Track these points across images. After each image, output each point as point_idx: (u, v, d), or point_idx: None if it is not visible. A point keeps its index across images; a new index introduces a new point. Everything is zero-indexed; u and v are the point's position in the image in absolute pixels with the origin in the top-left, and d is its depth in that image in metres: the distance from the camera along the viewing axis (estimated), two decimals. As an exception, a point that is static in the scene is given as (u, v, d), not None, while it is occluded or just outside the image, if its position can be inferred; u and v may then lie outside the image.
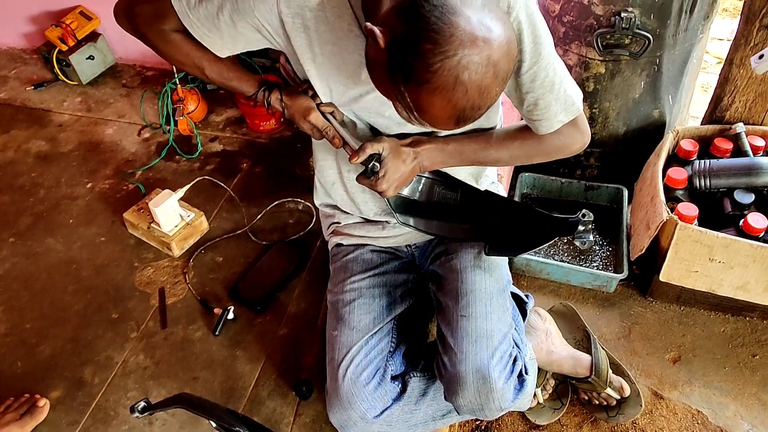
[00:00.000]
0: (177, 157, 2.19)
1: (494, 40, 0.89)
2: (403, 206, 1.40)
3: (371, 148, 1.22)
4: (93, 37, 2.51)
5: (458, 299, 1.35)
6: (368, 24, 0.93)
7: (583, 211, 1.27)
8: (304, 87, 1.26)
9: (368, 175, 1.24)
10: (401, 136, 1.28)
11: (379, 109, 1.22)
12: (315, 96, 1.25)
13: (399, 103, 0.97)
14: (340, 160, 1.41)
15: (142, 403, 1.33)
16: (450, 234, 1.44)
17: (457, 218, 1.42)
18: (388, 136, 1.26)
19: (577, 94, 1.21)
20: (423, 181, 1.39)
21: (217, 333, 1.65)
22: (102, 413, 1.53)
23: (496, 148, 1.30)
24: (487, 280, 1.37)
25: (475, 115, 0.95)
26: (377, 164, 1.22)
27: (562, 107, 1.19)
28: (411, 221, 1.40)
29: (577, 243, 1.29)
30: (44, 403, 1.51)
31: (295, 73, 1.28)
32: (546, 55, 1.13)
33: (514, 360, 1.32)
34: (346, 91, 1.21)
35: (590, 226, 1.28)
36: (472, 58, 0.88)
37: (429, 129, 1.05)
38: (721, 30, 3.12)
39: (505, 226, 1.37)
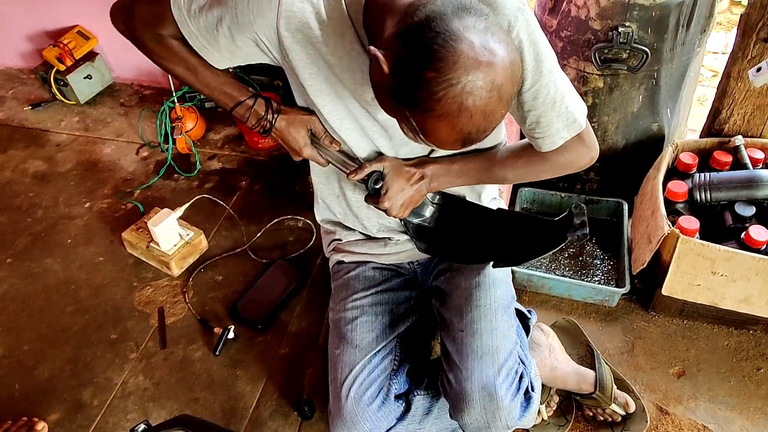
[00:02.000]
0: (175, 175, 2.18)
1: (497, 63, 0.89)
2: (418, 233, 1.39)
3: (370, 167, 1.22)
4: (91, 56, 2.52)
5: (463, 315, 1.33)
6: (372, 48, 0.93)
7: (574, 203, 1.24)
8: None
9: (372, 193, 1.24)
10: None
11: (383, 130, 1.22)
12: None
13: (404, 125, 0.97)
14: (340, 176, 1.40)
15: (143, 426, 1.31)
16: (466, 259, 1.43)
17: (468, 240, 1.42)
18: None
19: (580, 110, 1.20)
20: (430, 207, 1.39)
21: (217, 353, 1.64)
22: (102, 436, 1.51)
23: (502, 166, 1.29)
24: (492, 296, 1.36)
25: (481, 137, 0.95)
26: (379, 181, 1.22)
27: (564, 124, 1.18)
28: (430, 249, 1.41)
29: (573, 238, 1.25)
30: (42, 427, 1.49)
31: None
32: (547, 72, 1.12)
33: (521, 377, 1.30)
34: (348, 108, 1.20)
35: (584, 219, 1.24)
36: (476, 84, 0.88)
37: (436, 150, 1.05)
38: (715, 43, 3.14)
39: (509, 238, 1.37)
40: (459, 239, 1.41)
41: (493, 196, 1.55)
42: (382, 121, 1.20)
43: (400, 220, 1.35)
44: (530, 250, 1.33)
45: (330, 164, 1.30)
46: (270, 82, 2.26)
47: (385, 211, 1.26)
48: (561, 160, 1.26)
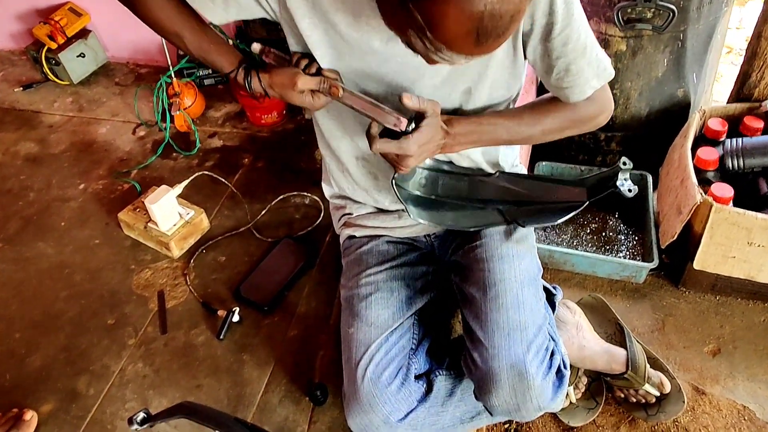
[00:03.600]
0: (174, 154, 2.07)
1: None
2: (414, 202, 1.28)
3: (423, 104, 1.06)
4: (83, 34, 2.41)
5: (486, 290, 1.23)
6: None
7: (623, 158, 1.15)
8: (295, 59, 1.14)
9: (388, 132, 1.08)
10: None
11: (397, 70, 1.10)
12: (310, 65, 1.13)
13: (411, 30, 0.84)
14: (357, 139, 1.28)
15: (142, 414, 1.22)
16: (473, 224, 1.32)
17: (472, 206, 1.31)
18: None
19: (607, 59, 1.13)
20: (425, 174, 1.27)
21: (221, 337, 1.53)
22: (98, 426, 1.41)
23: (529, 123, 1.18)
24: (517, 269, 1.25)
25: (497, 26, 0.81)
26: (413, 122, 1.06)
27: (594, 72, 1.10)
28: (427, 216, 1.29)
29: (624, 192, 1.15)
30: (31, 416, 1.40)
31: (282, 58, 1.16)
32: (578, 16, 1.04)
33: (552, 354, 1.20)
34: (353, 53, 1.09)
35: (629, 174, 1.17)
36: None
37: (449, 60, 0.90)
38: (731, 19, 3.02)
39: (533, 200, 1.26)
40: (452, 204, 1.30)
41: (513, 163, 1.44)
42: (384, 73, 1.11)
43: (393, 184, 1.21)
44: (554, 210, 1.23)
45: (333, 120, 1.17)
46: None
47: (399, 157, 1.09)
48: (588, 111, 1.18)
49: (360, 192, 1.38)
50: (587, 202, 1.17)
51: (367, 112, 1.09)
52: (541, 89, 2.02)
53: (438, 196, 1.30)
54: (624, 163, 1.16)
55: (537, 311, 1.23)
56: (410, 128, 1.06)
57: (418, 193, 1.29)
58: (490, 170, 1.31)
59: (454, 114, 1.18)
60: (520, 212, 1.27)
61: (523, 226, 1.28)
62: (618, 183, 1.14)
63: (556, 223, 1.32)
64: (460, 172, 1.28)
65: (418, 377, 1.25)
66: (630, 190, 1.14)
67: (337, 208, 1.50)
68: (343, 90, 1.09)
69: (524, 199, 1.28)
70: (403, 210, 1.37)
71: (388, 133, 1.08)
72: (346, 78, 1.13)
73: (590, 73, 1.10)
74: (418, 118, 1.07)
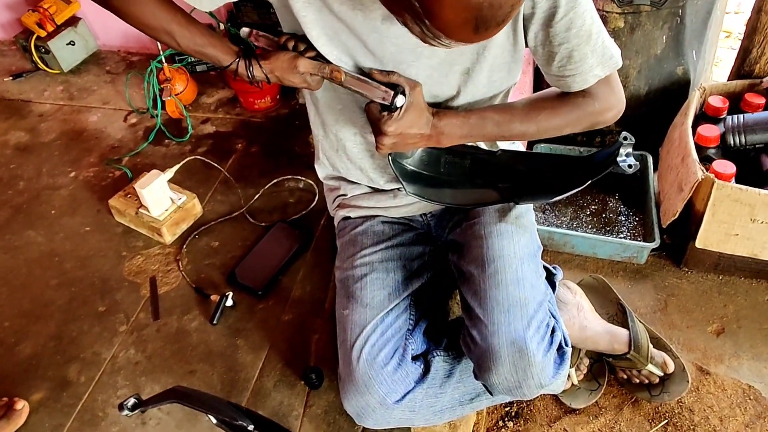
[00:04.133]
0: (166, 140, 2.04)
1: None
2: (410, 178, 1.25)
3: (399, 77, 1.07)
4: (73, 21, 2.37)
5: (485, 266, 1.19)
6: None
7: (623, 133, 1.10)
8: (283, 40, 1.11)
9: (382, 109, 1.07)
10: None
11: (396, 48, 1.07)
12: (306, 49, 1.10)
13: (408, 14, 0.81)
14: (339, 128, 1.26)
15: (132, 400, 1.18)
16: (471, 201, 1.29)
17: (472, 184, 1.28)
18: None
19: (615, 48, 1.07)
20: (427, 151, 1.24)
21: (215, 322, 1.50)
22: (89, 414, 1.37)
23: (522, 120, 1.14)
24: (516, 245, 1.22)
25: (496, 15, 0.78)
26: (401, 100, 1.05)
27: (599, 60, 1.05)
28: (423, 192, 1.25)
29: (623, 168, 1.11)
30: (22, 405, 1.36)
31: (272, 40, 1.13)
32: (583, 0, 0.99)
33: (553, 331, 1.16)
34: (348, 33, 1.06)
35: (631, 149, 1.12)
36: None
37: (447, 45, 0.87)
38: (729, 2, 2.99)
39: (533, 178, 1.23)
40: (453, 182, 1.27)
41: (511, 144, 1.40)
42: (380, 53, 1.07)
43: (389, 160, 1.19)
44: (553, 186, 1.19)
45: (330, 103, 1.15)
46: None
47: (382, 135, 1.08)
48: (588, 109, 1.12)
49: (355, 171, 1.35)
50: (589, 182, 1.13)
51: (358, 89, 1.08)
52: (537, 75, 1.99)
53: (440, 174, 1.26)
54: (625, 138, 1.12)
55: (537, 287, 1.19)
56: (397, 102, 1.05)
57: (418, 169, 1.25)
58: (492, 149, 1.28)
59: (453, 99, 1.15)
60: (519, 190, 1.24)
61: (518, 203, 1.24)
62: (618, 159, 1.10)
63: (552, 201, 1.29)
64: (463, 150, 1.25)
65: (415, 358, 1.22)
66: (630, 166, 1.10)
67: (331, 189, 1.47)
68: (345, 74, 1.08)
69: (526, 178, 1.24)
70: (398, 189, 1.34)
71: (383, 110, 1.08)
72: (341, 59, 1.10)
73: (594, 61, 1.05)
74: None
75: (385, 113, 1.07)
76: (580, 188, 1.16)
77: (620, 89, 1.13)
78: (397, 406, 1.17)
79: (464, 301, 1.22)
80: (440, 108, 1.15)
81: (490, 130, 1.14)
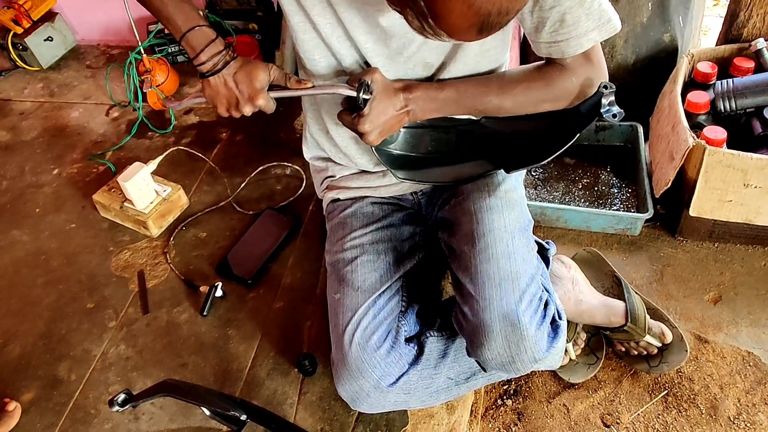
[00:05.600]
0: (150, 133, 2.00)
1: None
2: (398, 162, 1.22)
3: (360, 74, 1.07)
4: (50, 16, 2.32)
5: (475, 242, 1.17)
6: None
7: (603, 82, 1.07)
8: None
9: (352, 111, 1.07)
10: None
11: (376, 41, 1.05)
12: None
13: (411, 11, 0.79)
14: (325, 112, 1.24)
15: (122, 396, 1.17)
16: (463, 176, 1.27)
17: (461, 158, 1.25)
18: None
19: (614, 12, 1.02)
20: (411, 131, 1.22)
21: (205, 313, 1.47)
22: (81, 412, 1.35)
23: (498, 93, 1.12)
24: (506, 218, 1.20)
25: (502, 21, 0.77)
26: (367, 96, 1.05)
27: (595, 23, 1.01)
28: (412, 176, 1.24)
29: (608, 118, 1.08)
30: (14, 407, 1.34)
31: None
32: None
33: (546, 304, 1.14)
34: (342, 2, 1.03)
35: (614, 97, 1.08)
36: None
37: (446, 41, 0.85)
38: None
39: (519, 142, 1.20)
40: (441, 159, 1.25)
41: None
42: (376, 24, 1.04)
43: (373, 148, 1.17)
44: (541, 148, 1.16)
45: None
46: (245, 26, 2.08)
47: (362, 134, 1.08)
48: (567, 85, 1.10)
49: (341, 155, 1.33)
50: (576, 136, 1.10)
51: (323, 92, 1.10)
52: (523, 51, 1.95)
53: (427, 153, 1.24)
54: (606, 87, 1.09)
55: (528, 261, 1.17)
56: (363, 95, 1.05)
57: (404, 152, 1.23)
58: (475, 118, 1.25)
59: (443, 66, 1.13)
60: (509, 158, 1.21)
61: (508, 172, 1.22)
62: (602, 110, 1.07)
63: (543, 164, 1.27)
64: (445, 125, 1.22)
65: (408, 340, 1.20)
66: (615, 115, 1.07)
67: (319, 171, 1.44)
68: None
69: (512, 141, 1.21)
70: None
71: (353, 107, 1.08)
72: (338, 30, 1.08)
73: (590, 24, 1.00)
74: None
75: (356, 115, 1.06)
76: (568, 144, 1.13)
77: (602, 62, 1.09)
78: (391, 389, 1.15)
79: (455, 279, 1.20)
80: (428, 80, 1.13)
81: (464, 103, 1.13)
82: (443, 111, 1.14)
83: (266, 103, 1.11)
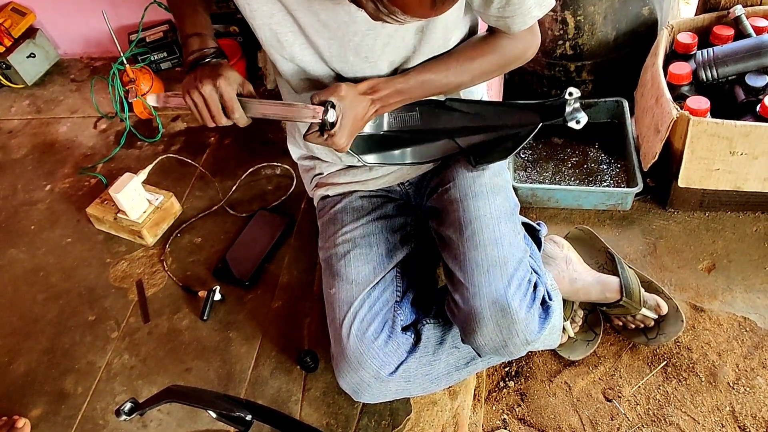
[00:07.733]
0: (138, 143, 2.01)
1: None
2: (363, 146, 1.23)
3: (321, 95, 1.06)
4: (30, 33, 2.32)
5: (462, 230, 1.18)
6: None
7: (569, 89, 1.11)
8: None
9: (320, 131, 1.07)
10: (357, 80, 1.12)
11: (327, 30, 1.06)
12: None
13: None
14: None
15: (129, 404, 1.18)
16: (427, 157, 1.30)
17: (425, 138, 1.26)
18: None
19: None
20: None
21: (205, 318, 1.49)
22: (90, 424, 1.37)
23: (456, 71, 1.15)
24: (492, 205, 1.21)
25: None
26: (333, 119, 1.05)
27: (537, 1, 1.06)
28: (382, 158, 1.26)
29: (571, 125, 1.12)
30: (24, 423, 1.36)
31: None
32: None
33: (535, 286, 1.16)
34: (300, 6, 1.03)
35: (579, 104, 1.13)
36: None
37: (401, 21, 0.86)
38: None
39: (484, 129, 1.23)
40: (406, 139, 1.26)
41: (481, 95, 1.39)
42: (335, 25, 1.05)
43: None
44: (506, 140, 1.20)
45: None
46: (225, 30, 2.08)
47: (338, 149, 1.09)
48: (514, 52, 1.16)
49: (325, 152, 1.34)
50: (540, 125, 1.13)
51: (285, 115, 1.08)
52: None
53: (391, 131, 1.24)
54: (570, 94, 1.12)
55: (516, 245, 1.18)
56: (329, 118, 1.04)
57: (368, 133, 1.22)
58: (438, 98, 1.26)
59: (411, 59, 1.13)
60: (474, 141, 1.23)
61: (474, 166, 1.24)
62: (566, 116, 1.10)
63: (513, 154, 1.29)
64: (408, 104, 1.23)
65: (405, 329, 1.22)
66: (578, 122, 1.10)
67: (307, 169, 1.45)
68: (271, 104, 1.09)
69: (478, 125, 1.23)
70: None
71: (321, 127, 1.07)
72: (295, 34, 1.08)
73: (532, 2, 1.05)
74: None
75: (325, 134, 1.06)
76: (533, 133, 1.15)
77: (538, 29, 1.16)
78: (391, 378, 1.17)
79: (446, 267, 1.21)
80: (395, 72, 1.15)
81: (429, 88, 1.16)
82: (409, 99, 1.17)
83: (240, 114, 1.09)
